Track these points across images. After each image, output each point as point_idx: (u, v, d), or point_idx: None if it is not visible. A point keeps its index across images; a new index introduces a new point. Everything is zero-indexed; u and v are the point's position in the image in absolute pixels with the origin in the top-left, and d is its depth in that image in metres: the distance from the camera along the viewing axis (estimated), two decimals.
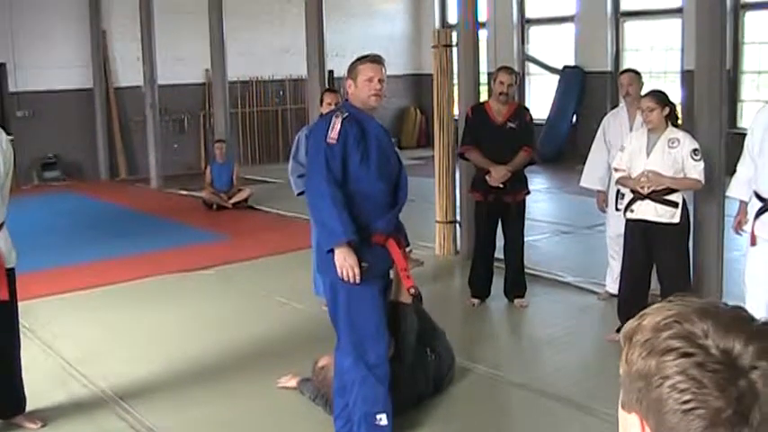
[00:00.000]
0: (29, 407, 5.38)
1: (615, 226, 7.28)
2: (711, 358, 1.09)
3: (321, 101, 7.41)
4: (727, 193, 6.36)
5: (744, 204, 6.09)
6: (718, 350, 1.10)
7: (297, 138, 7.56)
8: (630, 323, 1.20)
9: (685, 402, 1.09)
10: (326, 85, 11.09)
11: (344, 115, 4.82)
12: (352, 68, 4.96)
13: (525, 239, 7.70)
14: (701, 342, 1.11)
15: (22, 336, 5.44)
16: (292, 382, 5.78)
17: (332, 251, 4.70)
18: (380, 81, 4.89)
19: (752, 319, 1.15)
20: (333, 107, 7.28)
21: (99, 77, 16.27)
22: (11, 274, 5.15)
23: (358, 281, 4.65)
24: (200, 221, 12.13)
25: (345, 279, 4.65)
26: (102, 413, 5.55)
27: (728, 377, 1.08)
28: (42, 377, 6.00)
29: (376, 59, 4.97)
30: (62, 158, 16.05)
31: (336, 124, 4.76)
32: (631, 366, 1.17)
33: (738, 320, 1.14)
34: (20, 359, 5.33)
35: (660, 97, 6.25)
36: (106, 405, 5.66)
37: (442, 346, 5.78)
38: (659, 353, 1.13)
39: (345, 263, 4.63)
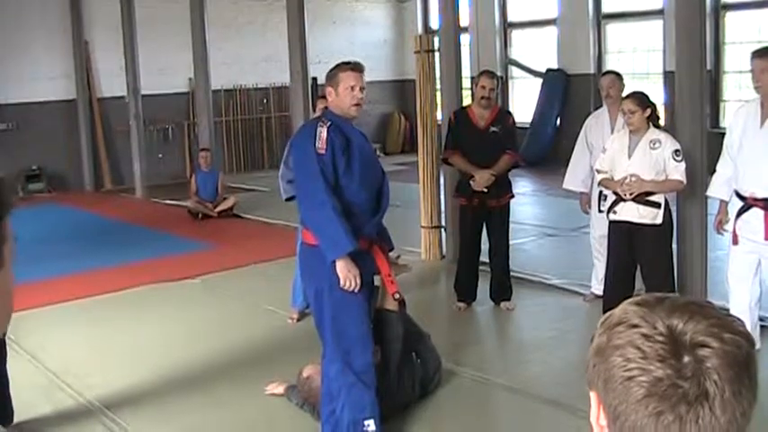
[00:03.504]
0: (16, 419, 5.36)
1: (599, 227, 7.33)
2: (655, 331, 1.15)
3: (314, 107, 7.39)
4: (707, 193, 6.40)
5: (724, 204, 6.13)
6: (663, 326, 1.15)
7: (289, 143, 7.51)
8: (605, 314, 1.26)
9: (628, 370, 1.14)
10: (310, 93, 11.11)
11: (328, 124, 4.80)
12: (333, 75, 4.89)
13: (510, 243, 7.71)
14: (649, 318, 1.17)
15: (8, 348, 5.42)
16: (280, 389, 5.78)
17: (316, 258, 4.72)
18: (361, 89, 4.86)
19: (705, 306, 1.20)
20: None
21: (82, 88, 16.24)
22: None
23: (358, 290, 4.71)
24: (186, 231, 12.10)
25: (348, 288, 4.68)
26: (88, 424, 5.54)
27: (670, 350, 1.13)
28: (29, 389, 5.98)
29: (356, 67, 4.92)
30: (46, 170, 15.99)
31: (323, 133, 4.73)
32: (593, 347, 1.23)
33: (689, 304, 1.19)
34: (6, 371, 5.31)
35: (641, 99, 6.29)
36: (93, 416, 5.65)
37: (427, 350, 5.78)
38: (612, 326, 1.20)
39: (350, 273, 4.66)
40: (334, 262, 4.69)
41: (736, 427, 1.13)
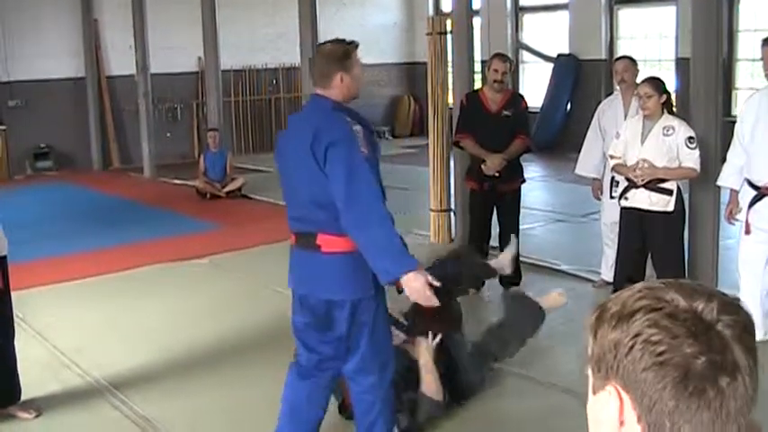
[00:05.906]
0: (23, 396, 5.36)
1: (610, 213, 7.29)
2: (680, 309, 1.14)
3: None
4: (718, 182, 6.34)
5: (735, 193, 6.08)
6: (686, 304, 1.15)
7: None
8: (595, 309, 1.23)
9: (660, 354, 1.12)
10: None
11: (356, 124, 4.21)
12: (346, 57, 4.21)
13: (520, 228, 7.68)
14: (669, 299, 1.16)
15: (15, 326, 5.41)
16: None
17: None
18: None
19: (710, 287, 1.20)
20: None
21: (91, 66, 16.20)
22: (3, 262, 5.13)
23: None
24: (194, 210, 12.09)
25: (426, 303, 4.07)
26: (96, 403, 5.54)
27: (699, 327, 1.12)
28: (36, 367, 5.98)
29: (359, 46, 4.32)
30: (55, 148, 15.99)
31: (360, 133, 4.14)
32: (602, 341, 1.19)
33: (700, 287, 1.19)
34: (14, 349, 5.30)
35: (657, 84, 6.24)
36: (100, 394, 5.65)
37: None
38: (628, 316, 1.17)
39: (423, 285, 4.01)
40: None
41: (753, 402, 1.15)
